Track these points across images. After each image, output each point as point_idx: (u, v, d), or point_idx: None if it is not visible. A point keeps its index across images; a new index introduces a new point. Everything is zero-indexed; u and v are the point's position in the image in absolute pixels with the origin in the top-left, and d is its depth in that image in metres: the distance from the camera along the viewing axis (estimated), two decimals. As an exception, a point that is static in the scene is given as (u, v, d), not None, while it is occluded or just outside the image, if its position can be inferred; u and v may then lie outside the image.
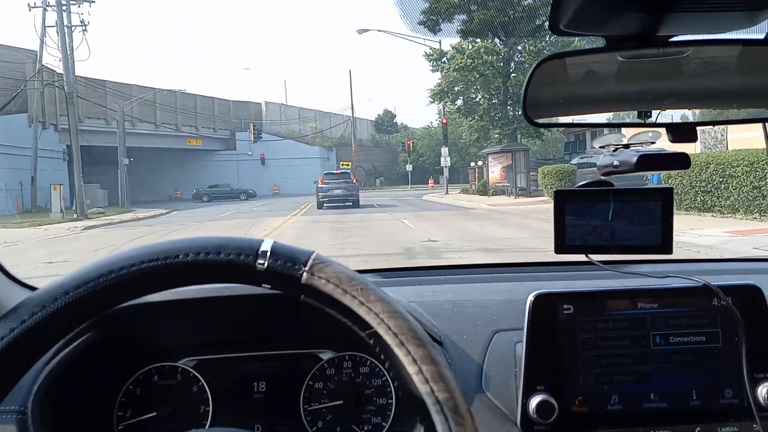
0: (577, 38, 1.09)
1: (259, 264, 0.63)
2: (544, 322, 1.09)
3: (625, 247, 1.13)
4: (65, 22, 25.76)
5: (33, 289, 1.26)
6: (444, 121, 33.35)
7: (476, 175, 33.60)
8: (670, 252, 1.12)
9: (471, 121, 32.90)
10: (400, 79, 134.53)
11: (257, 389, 1.28)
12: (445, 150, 33.54)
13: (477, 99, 32.07)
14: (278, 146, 49.65)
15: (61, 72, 26.15)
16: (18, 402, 1.03)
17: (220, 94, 55.04)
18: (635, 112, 1.07)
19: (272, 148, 49.57)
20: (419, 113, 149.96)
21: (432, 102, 32.45)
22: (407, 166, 52.21)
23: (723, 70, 1.04)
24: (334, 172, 29.97)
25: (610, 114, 1.17)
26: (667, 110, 1.06)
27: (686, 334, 1.11)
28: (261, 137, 49.05)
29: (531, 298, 1.10)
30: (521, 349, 1.10)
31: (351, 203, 26.42)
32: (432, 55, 27.68)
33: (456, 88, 30.61)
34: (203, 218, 23.04)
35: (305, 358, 1.29)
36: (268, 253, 0.64)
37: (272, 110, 52.82)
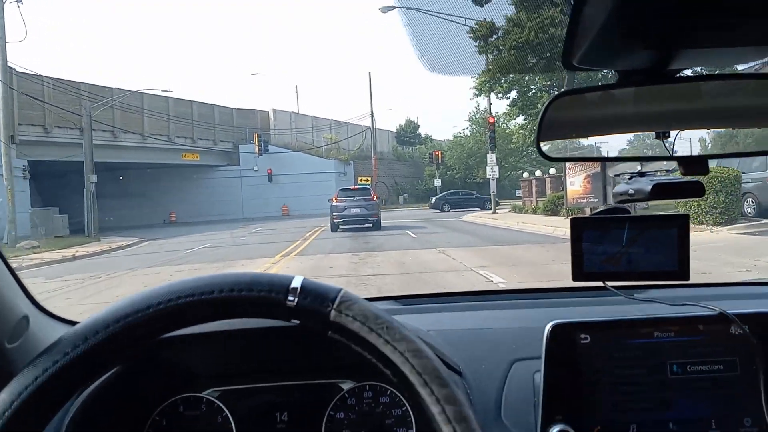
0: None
1: (290, 300, 0.66)
2: (561, 352, 1.09)
3: (642, 273, 1.13)
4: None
5: (65, 321, 1.29)
6: (491, 120, 26.41)
7: (531, 189, 26.82)
8: (687, 278, 1.13)
9: (528, 118, 26.03)
10: (424, 88, 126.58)
11: (279, 419, 1.29)
12: (491, 157, 26.86)
13: (535, 90, 25.25)
14: (288, 160, 43.28)
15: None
16: None
17: (223, 101, 51.42)
18: (650, 151, 1.14)
19: (281, 161, 43.22)
20: (445, 125, 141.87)
21: (477, 95, 25.76)
22: (435, 180, 45.62)
23: (737, 93, 1.04)
24: (351, 188, 25.83)
25: (626, 138, 1.32)
26: (679, 145, 1.07)
27: (703, 362, 1.10)
28: (268, 149, 42.73)
29: (548, 327, 1.09)
30: (539, 378, 1.09)
31: (371, 224, 22.40)
32: (479, 32, 20.95)
33: (511, 76, 23.74)
34: (170, 251, 16.74)
35: (326, 388, 1.30)
36: (298, 290, 0.67)
37: (282, 119, 46.54)
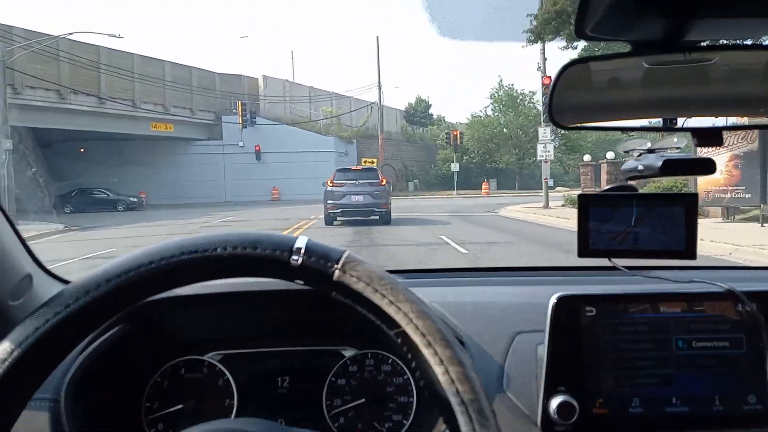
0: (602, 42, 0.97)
1: (294, 260, 0.66)
2: (566, 324, 1.10)
3: (649, 251, 1.13)
4: None
5: (67, 282, 1.27)
6: (546, 80, 19.14)
7: (592, 176, 20.15)
8: (693, 257, 1.13)
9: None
10: (435, 66, 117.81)
11: (281, 384, 1.31)
12: (545, 131, 19.99)
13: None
14: (279, 135, 36.52)
15: None
16: (51, 391, 1.06)
17: (203, 64, 42.31)
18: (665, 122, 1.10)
19: (271, 137, 36.49)
20: (457, 107, 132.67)
21: (532, 41, 18.76)
22: (453, 165, 38.79)
23: (751, 76, 1.03)
24: (353, 168, 19.90)
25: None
26: (693, 118, 1.06)
27: (709, 339, 1.11)
28: (255, 121, 35.88)
29: (553, 299, 1.11)
30: (542, 350, 1.10)
31: (378, 216, 16.86)
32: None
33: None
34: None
35: (328, 355, 1.31)
36: (303, 250, 0.66)
37: (273, 88, 39.67)
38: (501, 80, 46.79)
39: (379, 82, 38.20)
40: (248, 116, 35.59)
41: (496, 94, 46.44)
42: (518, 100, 44.78)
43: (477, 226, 15.83)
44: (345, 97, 44.66)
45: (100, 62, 29.27)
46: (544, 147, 20.34)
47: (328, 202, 16.48)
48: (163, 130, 34.19)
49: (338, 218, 16.60)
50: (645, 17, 0.86)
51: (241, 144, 36.77)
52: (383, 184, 17.03)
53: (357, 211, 16.42)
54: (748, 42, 1.00)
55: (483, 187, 38.03)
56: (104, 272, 0.65)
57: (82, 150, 33.55)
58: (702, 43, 0.95)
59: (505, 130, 44.63)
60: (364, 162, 33.98)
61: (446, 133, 42.04)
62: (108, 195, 30.54)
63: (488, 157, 46.31)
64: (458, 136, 38.84)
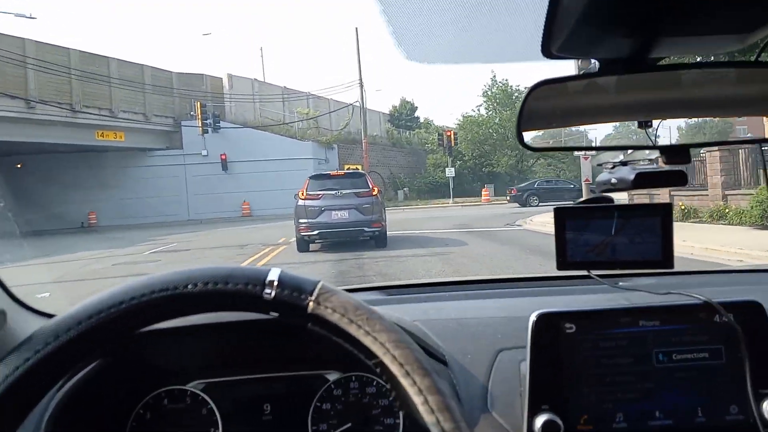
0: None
1: (266, 294, 0.66)
2: (546, 342, 1.09)
3: (627, 262, 1.14)
4: None
5: (44, 314, 1.26)
6: None
7: (737, 172, 15.60)
8: (671, 267, 1.14)
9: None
10: (419, 68, 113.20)
11: (265, 411, 1.29)
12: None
13: None
14: (248, 141, 31.72)
15: None
16: (30, 430, 1.04)
17: (158, 63, 38.81)
18: (633, 137, 1.16)
19: (239, 144, 31.69)
20: (446, 110, 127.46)
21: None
22: (447, 170, 34.29)
23: (719, 82, 1.05)
24: (333, 173, 14.88)
25: (613, 125, 1.26)
26: (667, 120, 1.09)
27: (689, 351, 1.11)
28: (219, 126, 31.04)
29: (533, 318, 1.10)
30: (525, 368, 1.10)
31: (370, 237, 12.44)
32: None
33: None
34: None
35: (312, 380, 1.30)
36: (275, 283, 0.66)
37: (241, 88, 34.81)
38: (494, 76, 42.33)
39: (360, 78, 33.59)
40: (210, 120, 30.72)
41: (490, 92, 42.08)
42: (514, 97, 40.41)
43: (512, 248, 11.17)
44: (323, 99, 39.96)
45: (26, 56, 24.30)
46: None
47: (301, 221, 11.83)
48: (112, 139, 29.25)
49: (315, 242, 11.90)
50: (610, 36, 0.87)
51: (204, 153, 31.90)
52: (375, 194, 12.38)
53: (340, 230, 11.76)
54: (712, 59, 1.04)
55: (483, 193, 33.57)
56: (75, 314, 0.65)
57: (18, 166, 28.58)
58: (667, 60, 0.97)
59: (501, 129, 40.21)
60: (347, 168, 29.40)
61: (438, 135, 37.54)
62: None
63: (483, 161, 41.89)
64: (452, 137, 34.32)
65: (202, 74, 34.28)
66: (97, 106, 27.99)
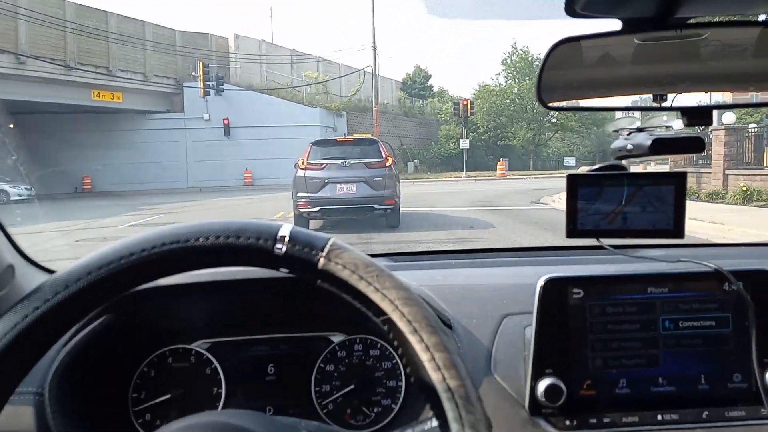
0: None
1: (278, 248, 0.65)
2: (553, 306, 1.10)
3: (637, 231, 1.13)
4: None
5: (51, 272, 1.27)
6: None
7: None
8: (682, 236, 1.13)
9: None
10: (435, 35, 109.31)
11: (269, 371, 1.30)
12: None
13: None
14: (253, 105, 30.00)
15: None
16: (35, 384, 1.05)
17: (160, 21, 32.14)
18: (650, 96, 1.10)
19: (243, 108, 29.98)
20: (462, 80, 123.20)
21: None
22: (461, 141, 32.55)
23: (740, 53, 1.03)
24: (340, 139, 12.42)
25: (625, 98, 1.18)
26: (683, 94, 1.06)
27: (696, 318, 1.11)
28: (222, 88, 29.32)
29: (541, 282, 1.10)
30: (530, 332, 1.10)
31: (383, 213, 10.40)
32: None
33: None
34: None
35: (316, 341, 1.31)
36: (287, 238, 0.66)
37: (247, 49, 33.03)
38: (515, 43, 40.26)
39: (374, 41, 31.68)
40: (214, 81, 29.01)
41: (509, 59, 40.04)
42: (535, 65, 38.37)
43: (551, 234, 9.59)
44: (333, 63, 38.11)
45: (17, 5, 22.60)
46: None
47: (300, 195, 10.20)
48: (109, 99, 27.64)
49: (315, 219, 10.38)
50: None
51: (206, 117, 30.25)
52: (388, 164, 10.72)
53: (346, 208, 10.19)
54: (738, 18, 0.99)
55: (498, 167, 31.77)
56: (84, 265, 0.64)
57: (11, 126, 27.08)
58: (692, 20, 0.95)
59: (519, 100, 38.28)
60: (356, 136, 27.76)
61: (454, 104, 35.65)
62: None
63: (499, 133, 40.04)
64: (468, 106, 32.47)
65: (207, 33, 32.40)
66: (94, 63, 26.36)
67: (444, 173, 33.97)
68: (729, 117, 13.62)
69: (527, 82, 37.61)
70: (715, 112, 16.51)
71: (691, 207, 11.90)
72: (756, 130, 14.03)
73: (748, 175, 13.23)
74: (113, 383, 1.21)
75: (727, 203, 12.36)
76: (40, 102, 24.37)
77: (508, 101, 38.82)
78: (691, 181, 14.69)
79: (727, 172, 13.42)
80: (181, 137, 30.62)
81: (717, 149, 13.69)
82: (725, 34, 0.99)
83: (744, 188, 12.64)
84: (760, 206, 12.05)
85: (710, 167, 14.13)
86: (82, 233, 11.76)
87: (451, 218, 11.84)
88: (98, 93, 27.09)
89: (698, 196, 13.43)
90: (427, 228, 10.46)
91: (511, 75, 40.06)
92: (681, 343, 1.10)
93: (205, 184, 28.58)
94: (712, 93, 1.14)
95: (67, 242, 10.30)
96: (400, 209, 10.85)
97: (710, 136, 14.28)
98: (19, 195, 22.50)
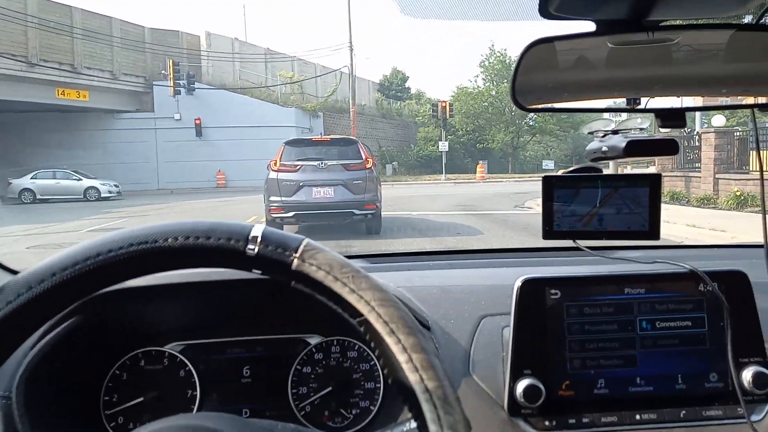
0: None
1: (249, 249, 0.63)
2: (531, 307, 1.10)
3: (613, 232, 1.15)
4: None
5: (15, 272, 1.24)
6: None
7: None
8: (657, 238, 1.15)
9: None
10: (412, 36, 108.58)
11: (245, 374, 1.28)
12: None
13: None
14: (225, 105, 29.11)
15: None
16: (2, 387, 1.04)
17: (129, 18, 33.11)
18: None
19: (215, 108, 29.07)
20: (440, 83, 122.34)
21: None
22: (440, 144, 32.07)
23: (713, 56, 1.05)
24: (316, 139, 11.27)
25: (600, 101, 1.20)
26: (656, 97, 1.08)
27: (672, 319, 1.12)
28: (194, 86, 28.37)
29: (518, 283, 1.11)
30: (508, 333, 1.11)
31: (363, 218, 9.54)
32: None
33: None
34: None
35: (293, 343, 1.29)
36: (259, 239, 0.64)
37: (220, 48, 32.04)
38: (492, 45, 39.81)
39: (351, 40, 30.94)
40: (185, 80, 28.02)
41: (487, 62, 39.60)
42: (512, 68, 37.99)
43: (534, 238, 8.96)
44: (309, 63, 37.29)
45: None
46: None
47: (272, 199, 9.35)
48: (74, 98, 26.62)
49: (289, 224, 9.62)
50: None
51: (177, 116, 29.28)
52: (369, 166, 9.96)
53: (323, 214, 9.44)
54: (710, 21, 1.01)
55: (478, 170, 31.29)
56: (48, 266, 0.62)
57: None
58: (666, 23, 0.96)
59: (497, 103, 37.87)
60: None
61: (432, 105, 35.03)
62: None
63: (477, 136, 39.59)
64: (447, 108, 31.92)
65: (178, 31, 31.45)
66: (57, 60, 25.29)
67: (423, 176, 33.42)
68: (719, 120, 13.22)
69: (505, 84, 37.14)
70: (698, 114, 16.16)
71: (684, 212, 11.53)
72: (741, 134, 13.62)
73: (740, 179, 12.73)
74: (84, 386, 1.19)
75: (720, 208, 11.86)
76: (1, 100, 23.24)
77: (486, 104, 38.37)
78: (679, 185, 14.24)
79: (717, 176, 12.96)
80: (151, 137, 29.61)
81: (707, 152, 13.23)
82: (697, 38, 1.00)
83: (738, 193, 12.15)
84: (755, 212, 11.17)
85: (700, 171, 13.66)
86: (36, 239, 10.85)
87: (435, 223, 11.18)
88: (63, 91, 26.04)
89: (689, 201, 12.92)
90: (410, 234, 9.78)
91: (489, 77, 39.63)
92: (658, 344, 1.11)
93: (176, 186, 27.70)
94: (685, 96, 1.13)
95: (17, 249, 9.39)
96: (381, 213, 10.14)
97: (699, 140, 13.84)
98: (110, 192, 22.81)
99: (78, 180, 24.15)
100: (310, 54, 43.47)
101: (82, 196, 23.14)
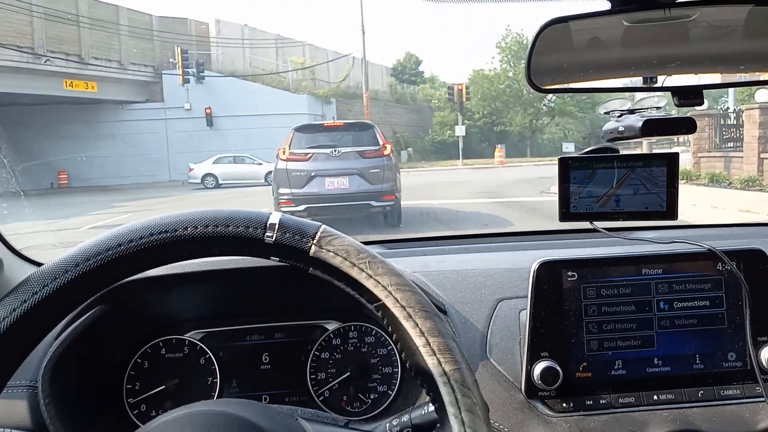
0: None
1: (268, 237, 0.65)
2: (548, 289, 1.10)
3: (630, 213, 1.14)
4: None
5: (39, 264, 1.23)
6: None
7: (710, 132, 12.71)
8: (675, 218, 1.13)
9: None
10: (426, 20, 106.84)
11: (264, 360, 1.29)
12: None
13: None
14: (236, 93, 28.41)
15: None
16: (28, 377, 1.05)
17: (135, 5, 30.09)
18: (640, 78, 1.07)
19: (226, 96, 28.39)
20: (454, 67, 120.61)
21: None
22: (457, 128, 31.19)
23: (729, 33, 1.02)
24: (327, 124, 10.68)
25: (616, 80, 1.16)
26: (673, 75, 1.05)
27: (690, 299, 1.11)
28: (203, 75, 27.74)
29: (535, 265, 1.10)
30: (525, 316, 1.10)
31: (382, 210, 8.57)
32: None
33: None
34: None
35: (311, 329, 1.30)
36: (277, 226, 0.65)
37: (229, 34, 31.32)
38: (509, 26, 38.73)
39: (363, 24, 30.11)
40: (194, 69, 27.37)
41: (503, 43, 38.53)
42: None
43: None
44: (320, 49, 36.47)
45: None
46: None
47: (281, 191, 8.68)
48: (83, 89, 25.99)
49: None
50: None
51: (187, 106, 28.64)
52: (387, 153, 9.20)
53: (337, 206, 8.71)
54: None
55: (496, 154, 30.38)
56: (72, 256, 0.63)
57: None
58: None
59: (514, 84, 36.85)
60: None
61: (448, 89, 34.10)
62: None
63: (494, 119, 38.61)
64: (463, 91, 30.99)
65: (186, 18, 30.76)
66: (64, 51, 24.72)
67: (439, 162, 32.58)
68: (763, 95, 12.23)
69: (522, 65, 36.12)
70: (731, 92, 15.25)
71: (728, 196, 10.65)
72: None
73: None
74: (107, 374, 1.20)
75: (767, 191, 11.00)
76: (8, 93, 22.74)
77: (503, 86, 37.36)
78: (718, 167, 13.34)
79: (762, 155, 12.03)
80: (162, 128, 29.03)
81: (750, 130, 12.29)
82: (714, 14, 0.98)
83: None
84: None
85: (742, 150, 12.75)
86: (35, 237, 10.29)
87: (458, 213, 10.40)
88: (71, 82, 25.45)
89: (730, 183, 12.02)
90: (433, 227, 9.04)
91: (506, 59, 38.60)
92: (676, 324, 1.10)
93: (187, 177, 27.12)
94: (702, 74, 1.09)
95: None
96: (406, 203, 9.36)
97: (737, 118, 12.92)
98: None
99: (259, 165, 24.35)
100: (322, 39, 42.67)
101: (263, 181, 22.73)
